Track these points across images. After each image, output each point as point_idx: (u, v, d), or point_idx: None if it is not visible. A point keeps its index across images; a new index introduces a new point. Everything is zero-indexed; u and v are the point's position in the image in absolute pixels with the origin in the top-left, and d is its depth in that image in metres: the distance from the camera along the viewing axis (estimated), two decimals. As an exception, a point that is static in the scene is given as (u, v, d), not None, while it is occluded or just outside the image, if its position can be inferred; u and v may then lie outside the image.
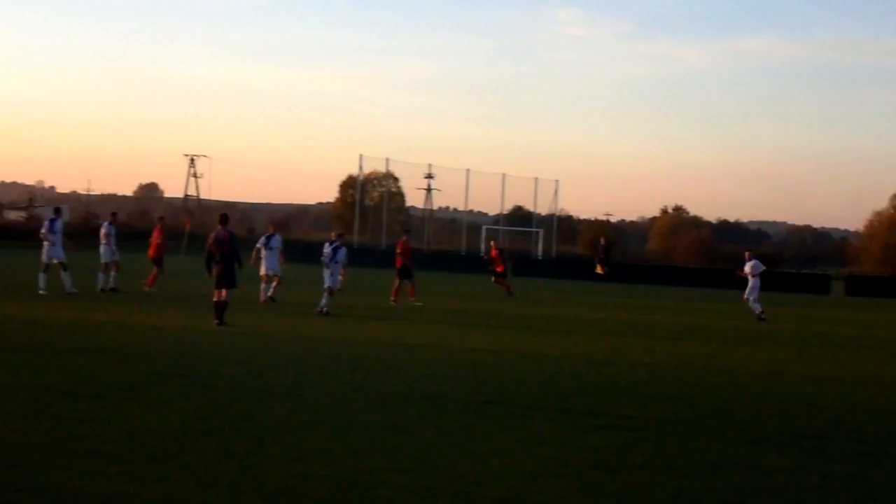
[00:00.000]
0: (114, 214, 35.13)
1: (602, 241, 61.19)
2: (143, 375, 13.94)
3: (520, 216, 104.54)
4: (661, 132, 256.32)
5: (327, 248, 28.10)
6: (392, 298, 32.87)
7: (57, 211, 31.75)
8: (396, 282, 33.69)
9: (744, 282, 33.66)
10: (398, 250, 35.05)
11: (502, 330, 25.18)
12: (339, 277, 28.04)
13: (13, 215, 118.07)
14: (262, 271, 30.76)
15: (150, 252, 34.03)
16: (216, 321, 21.85)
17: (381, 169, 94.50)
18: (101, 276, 31.13)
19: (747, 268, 33.26)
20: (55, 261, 29.17)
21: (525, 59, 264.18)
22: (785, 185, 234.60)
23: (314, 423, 11.15)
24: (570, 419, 12.18)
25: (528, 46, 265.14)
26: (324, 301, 26.66)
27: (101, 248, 31.74)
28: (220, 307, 22.04)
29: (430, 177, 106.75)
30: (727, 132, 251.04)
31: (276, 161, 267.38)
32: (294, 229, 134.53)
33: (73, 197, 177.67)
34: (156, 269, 33.27)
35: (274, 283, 30.59)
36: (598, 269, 52.29)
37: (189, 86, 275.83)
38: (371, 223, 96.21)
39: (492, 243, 47.99)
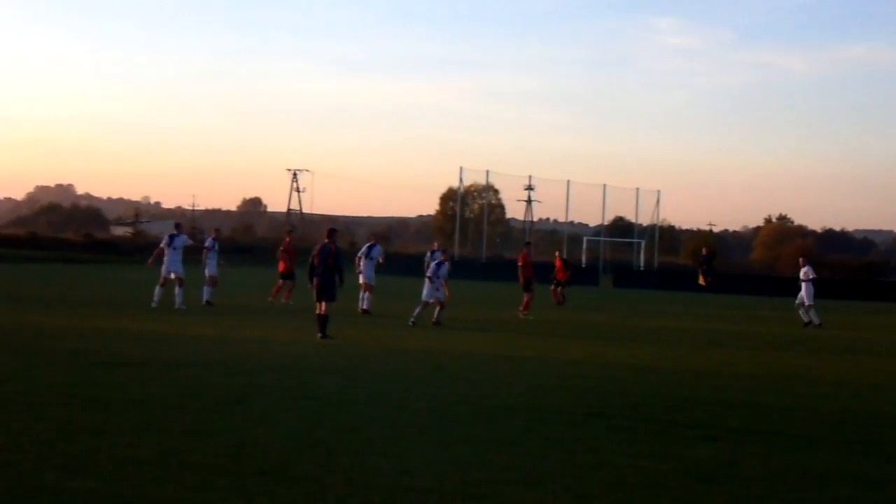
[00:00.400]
0: (217, 230, 35.95)
1: (704, 251, 60.54)
2: (248, 388, 14.10)
3: (621, 227, 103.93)
4: (764, 141, 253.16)
5: (432, 264, 28.58)
6: (522, 311, 33.11)
7: (178, 226, 32.68)
8: (526, 297, 33.75)
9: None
10: (519, 263, 35.21)
11: (605, 341, 25.02)
12: (445, 292, 28.21)
13: (120, 231, 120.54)
14: (361, 280, 31.34)
15: (280, 267, 35.01)
16: (319, 335, 22.02)
17: (482, 181, 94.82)
18: (205, 289, 31.69)
19: (802, 273, 34.56)
20: (173, 275, 29.83)
21: (624, 68, 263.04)
22: (892, 192, 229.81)
23: (418, 435, 11.17)
24: (675, 431, 12.05)
25: (628, 56, 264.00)
26: (416, 312, 27.13)
27: (206, 263, 32.48)
28: (322, 320, 22.16)
29: (530, 188, 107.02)
30: (831, 140, 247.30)
31: (377, 175, 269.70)
32: (395, 242, 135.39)
33: (178, 212, 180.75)
34: (286, 283, 34.28)
35: (367, 294, 31.15)
36: (701, 280, 51.67)
37: (291, 101, 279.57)
38: (471, 235, 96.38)
39: (556, 253, 48.57)
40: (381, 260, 32.80)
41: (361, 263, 31.61)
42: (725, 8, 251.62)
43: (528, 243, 41.85)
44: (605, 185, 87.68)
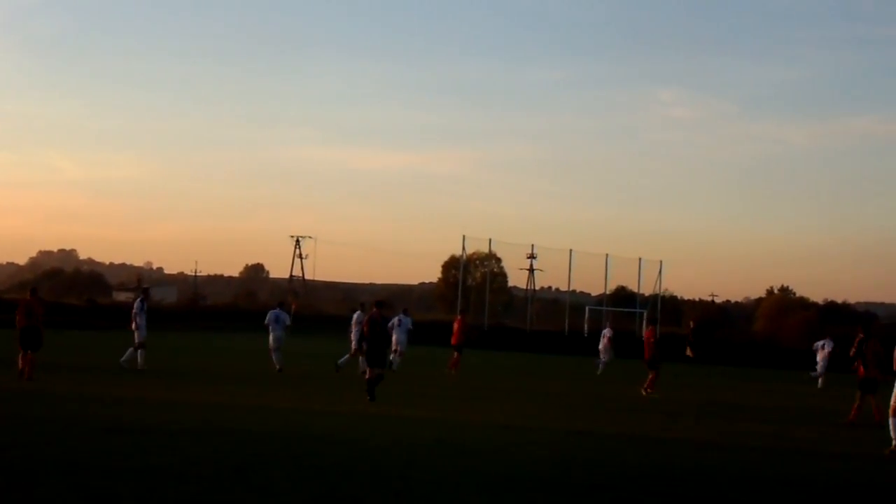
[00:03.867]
0: (281, 304, 36.80)
1: (691, 323, 60.95)
2: (251, 457, 13.99)
3: (623, 296, 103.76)
4: (766, 212, 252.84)
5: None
6: (645, 390, 31.94)
7: (146, 291, 35.04)
8: (651, 374, 32.32)
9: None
10: (648, 338, 33.42)
11: (607, 412, 24.89)
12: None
13: (123, 296, 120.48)
14: (394, 346, 34.05)
15: (452, 339, 38.23)
16: (368, 397, 23.10)
17: (484, 249, 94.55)
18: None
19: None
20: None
21: (627, 139, 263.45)
22: (894, 265, 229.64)
23: (421, 507, 11.07)
24: (680, 505, 11.96)
25: (631, 127, 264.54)
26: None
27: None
28: (371, 384, 23.37)
29: (532, 257, 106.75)
30: (833, 212, 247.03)
31: (380, 242, 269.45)
32: (397, 309, 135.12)
33: (181, 278, 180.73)
34: (457, 356, 37.13)
35: (397, 358, 34.09)
36: (688, 352, 51.69)
37: (294, 168, 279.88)
38: (473, 303, 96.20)
39: (459, 314, 45.27)
40: (410, 328, 36.22)
41: (394, 331, 33.84)
42: (728, 80, 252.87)
43: (655, 319, 41.23)
44: (607, 255, 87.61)
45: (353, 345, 32.66)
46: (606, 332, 45.17)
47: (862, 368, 24.36)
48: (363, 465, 13.91)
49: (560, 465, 14.98)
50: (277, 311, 34.00)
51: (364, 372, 30.61)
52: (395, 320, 35.30)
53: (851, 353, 24.60)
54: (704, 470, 15.27)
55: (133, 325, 30.96)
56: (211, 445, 15.09)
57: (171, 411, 19.70)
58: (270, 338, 33.52)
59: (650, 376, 32.13)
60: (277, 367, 32.33)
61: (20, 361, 25.66)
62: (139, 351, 30.16)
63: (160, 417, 18.48)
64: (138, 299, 32.08)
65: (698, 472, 15.04)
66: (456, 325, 39.26)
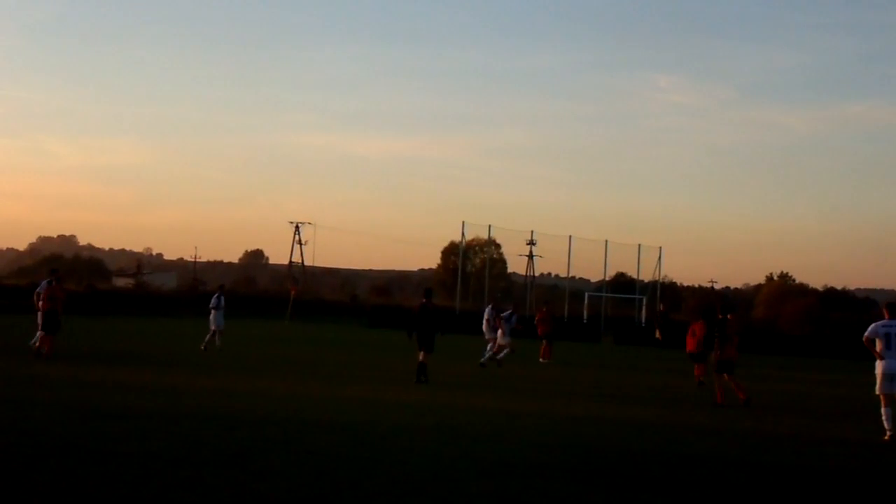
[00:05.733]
0: (221, 287, 39.14)
1: (660, 307, 61.63)
2: (249, 442, 14.02)
3: (623, 283, 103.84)
4: (766, 199, 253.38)
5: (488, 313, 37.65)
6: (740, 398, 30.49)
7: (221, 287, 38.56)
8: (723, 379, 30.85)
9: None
10: (700, 331, 30.93)
11: (607, 398, 24.90)
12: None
13: (122, 282, 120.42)
14: (500, 339, 35.66)
15: (538, 330, 40.86)
16: (417, 380, 25.54)
17: (484, 236, 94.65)
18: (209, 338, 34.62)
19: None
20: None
21: (627, 125, 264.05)
22: (894, 251, 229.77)
23: (420, 491, 11.08)
24: (677, 490, 11.96)
25: (630, 113, 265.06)
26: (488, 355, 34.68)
27: (212, 315, 35.80)
28: (421, 367, 25.89)
29: (532, 243, 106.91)
30: (833, 198, 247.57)
31: (380, 228, 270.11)
32: (396, 295, 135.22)
33: (180, 264, 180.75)
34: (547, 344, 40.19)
35: (503, 350, 35.19)
36: (657, 335, 51.78)
37: (293, 154, 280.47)
38: (473, 289, 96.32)
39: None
40: (517, 326, 36.52)
41: (503, 325, 35.64)
42: (726, 66, 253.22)
43: (708, 312, 39.33)
44: (606, 241, 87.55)
45: (487, 336, 37.02)
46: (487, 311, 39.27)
47: (718, 350, 24.49)
48: (362, 450, 13.93)
49: (557, 450, 15.00)
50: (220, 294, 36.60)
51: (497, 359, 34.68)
52: (506, 315, 36.38)
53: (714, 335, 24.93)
54: (702, 456, 15.29)
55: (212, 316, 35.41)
56: (209, 430, 15.10)
57: (170, 396, 19.72)
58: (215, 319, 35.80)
59: (700, 367, 30.81)
60: (218, 345, 34.89)
61: (40, 341, 27.86)
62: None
63: (159, 402, 18.51)
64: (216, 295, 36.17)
65: (696, 457, 15.06)
66: (538, 317, 42.16)
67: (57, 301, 28.36)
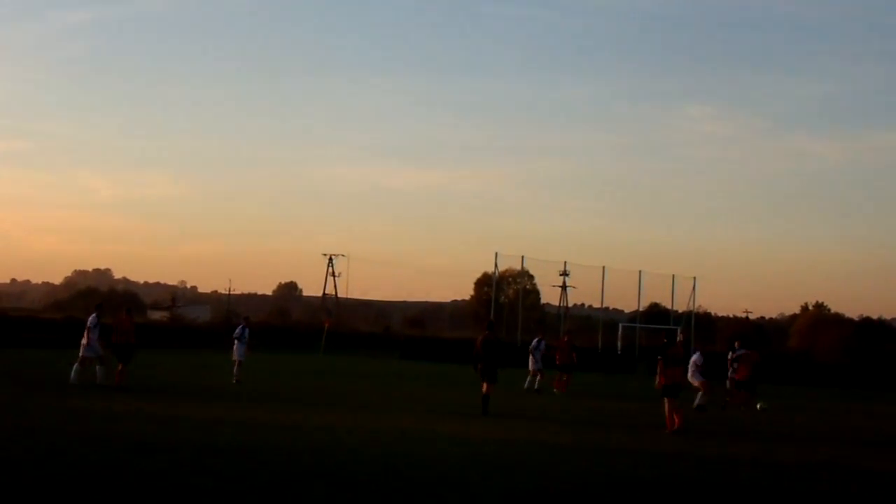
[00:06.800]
0: (246, 318, 39.65)
1: (665, 339, 61.40)
2: (285, 475, 14.02)
3: (657, 313, 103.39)
4: (800, 228, 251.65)
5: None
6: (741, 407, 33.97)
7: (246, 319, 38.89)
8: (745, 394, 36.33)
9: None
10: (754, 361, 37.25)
11: (642, 430, 24.77)
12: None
13: (157, 315, 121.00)
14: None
15: (557, 359, 40.04)
16: (483, 412, 25.62)
17: (517, 266, 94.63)
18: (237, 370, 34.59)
19: None
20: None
21: (659, 155, 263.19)
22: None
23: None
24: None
25: (661, 143, 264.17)
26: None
27: (235, 346, 35.66)
28: (485, 399, 26.09)
29: (565, 274, 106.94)
30: (868, 227, 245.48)
31: (412, 259, 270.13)
32: (429, 327, 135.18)
33: (214, 297, 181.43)
34: (565, 376, 39.35)
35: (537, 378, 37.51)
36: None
37: (327, 186, 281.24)
38: (506, 320, 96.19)
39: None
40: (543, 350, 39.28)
41: (533, 353, 38.78)
42: (759, 96, 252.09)
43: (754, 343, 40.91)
44: (640, 272, 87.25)
45: (532, 367, 38.95)
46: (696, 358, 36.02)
47: (662, 376, 24.24)
48: (396, 480, 13.92)
49: (592, 480, 14.94)
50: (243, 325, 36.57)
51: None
52: (534, 342, 39.58)
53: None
54: (722, 485, 15.18)
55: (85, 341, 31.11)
56: (245, 463, 15.11)
57: (205, 429, 19.74)
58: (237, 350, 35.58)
59: (744, 395, 35.69)
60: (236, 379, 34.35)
61: (118, 374, 29.16)
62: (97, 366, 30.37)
63: (195, 435, 18.54)
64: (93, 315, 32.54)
65: (715, 486, 14.95)
66: (558, 345, 42.21)
67: (128, 334, 30.41)
